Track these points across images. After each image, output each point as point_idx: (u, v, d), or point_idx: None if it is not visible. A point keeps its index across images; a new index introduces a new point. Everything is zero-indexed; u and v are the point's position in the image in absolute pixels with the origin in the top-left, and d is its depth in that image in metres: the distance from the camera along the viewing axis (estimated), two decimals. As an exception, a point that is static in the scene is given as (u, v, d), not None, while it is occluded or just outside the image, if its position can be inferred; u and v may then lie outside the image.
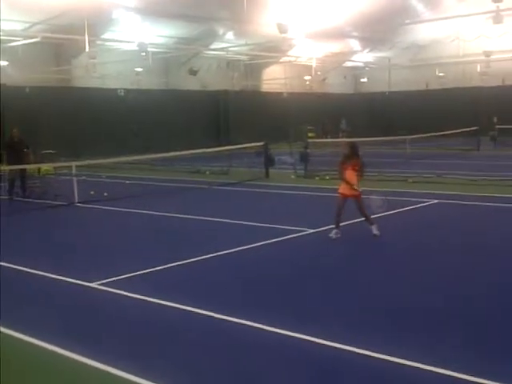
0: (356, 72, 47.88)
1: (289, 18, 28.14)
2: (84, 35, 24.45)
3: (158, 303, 6.69)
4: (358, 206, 9.95)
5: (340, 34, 37.10)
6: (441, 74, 40.78)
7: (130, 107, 30.85)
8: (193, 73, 33.28)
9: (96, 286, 7.38)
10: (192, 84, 34.62)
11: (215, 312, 6.25)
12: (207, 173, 20.69)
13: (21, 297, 7.27)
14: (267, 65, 40.94)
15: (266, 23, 30.03)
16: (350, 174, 9.92)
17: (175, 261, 8.50)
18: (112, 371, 4.95)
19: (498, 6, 25.41)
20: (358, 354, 5.16)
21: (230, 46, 35.29)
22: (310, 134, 31.38)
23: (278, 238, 9.94)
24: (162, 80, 35.51)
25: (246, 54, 38.02)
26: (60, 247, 10.00)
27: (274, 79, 41.39)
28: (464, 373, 4.71)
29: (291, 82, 41.66)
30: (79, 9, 24.20)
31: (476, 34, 36.32)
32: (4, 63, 27.59)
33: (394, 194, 14.65)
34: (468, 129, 28.77)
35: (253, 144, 20.54)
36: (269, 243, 9.64)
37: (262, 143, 19.74)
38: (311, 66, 38.80)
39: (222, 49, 35.14)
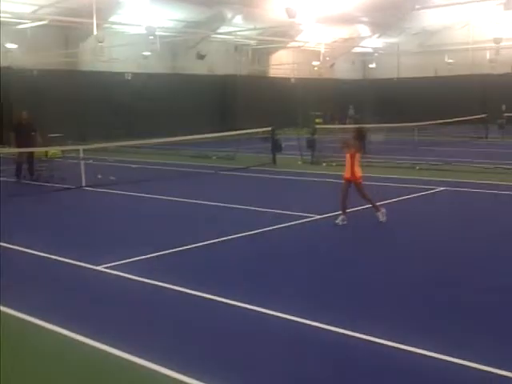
0: (365, 58, 47.55)
1: (298, 3, 27.89)
2: (92, 18, 24.35)
3: (161, 286, 6.74)
4: (357, 190, 9.95)
5: (349, 20, 36.80)
6: (450, 61, 40.43)
7: (137, 91, 30.84)
8: (200, 57, 33.15)
9: (102, 269, 7.42)
10: (199, 68, 34.51)
11: (223, 297, 6.29)
12: (214, 158, 20.68)
13: (24, 278, 7.32)
14: (275, 50, 40.71)
15: (274, 8, 29.80)
16: (347, 158, 9.97)
17: (181, 245, 8.53)
18: (112, 351, 5.00)
19: (509, -8, 25.08)
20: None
21: (238, 31, 35.08)
22: (317, 120, 31.31)
23: (285, 223, 9.95)
24: (169, 64, 35.38)
25: (254, 39, 37.80)
26: (67, 230, 10.06)
27: (281, 64, 41.17)
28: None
29: (299, 67, 41.44)
30: (87, -9, 24.09)
31: (486, 21, 35.94)
32: (12, 46, 27.56)
33: (401, 180, 14.63)
34: (476, 116, 28.59)
35: (260, 129, 20.49)
36: (276, 228, 9.66)
37: (269, 129, 19.69)
38: (319, 51, 38.55)
39: (229, 33, 34.93)
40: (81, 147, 16.21)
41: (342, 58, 43.93)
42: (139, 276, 7.10)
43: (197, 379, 4.51)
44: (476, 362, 4.66)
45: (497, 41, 36.04)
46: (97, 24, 24.89)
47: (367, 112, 38.47)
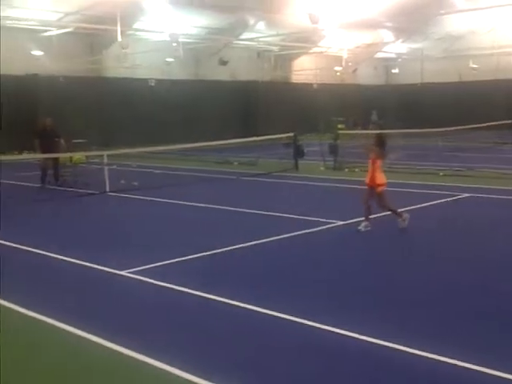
0: (387, 63, 47.28)
1: (320, 9, 27.88)
2: (116, 25, 24.62)
3: (183, 291, 6.76)
4: (377, 197, 9.84)
5: (372, 25, 36.65)
6: (474, 66, 40.00)
7: (160, 97, 31.07)
8: (223, 63, 33.28)
9: (125, 274, 7.46)
10: (222, 74, 34.65)
11: (245, 302, 6.29)
12: (235, 163, 20.71)
13: (47, 282, 7.40)
14: (298, 55, 40.69)
15: (297, 13, 29.83)
16: (369, 164, 9.92)
17: (205, 250, 8.55)
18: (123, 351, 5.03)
19: (535, -3, 24.79)
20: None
21: (261, 37, 35.15)
22: (339, 126, 31.17)
23: (307, 229, 9.92)
24: (192, 70, 35.58)
25: (277, 45, 37.84)
26: (91, 235, 10.15)
27: (304, 70, 41.13)
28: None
29: (321, 72, 41.36)
30: (112, -1, 24.38)
31: (511, 25, 35.52)
32: (39, 53, 27.98)
33: (424, 186, 14.49)
34: (502, 122, 28.21)
35: (282, 135, 20.48)
36: (299, 234, 9.63)
37: (291, 134, 19.67)
38: (342, 56, 38.44)
39: (252, 39, 35.02)
40: (105, 153, 16.36)
41: (364, 64, 43.75)
42: (162, 281, 7.12)
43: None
44: None
45: (522, 45, 35.60)
46: (121, 31, 25.16)
47: (390, 117, 38.23)
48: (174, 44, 29.10)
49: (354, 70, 41.81)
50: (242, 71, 36.45)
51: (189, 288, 6.83)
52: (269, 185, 16.22)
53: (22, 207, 13.11)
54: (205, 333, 5.64)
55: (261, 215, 11.50)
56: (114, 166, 18.14)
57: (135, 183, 15.66)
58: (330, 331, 5.50)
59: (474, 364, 4.71)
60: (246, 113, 36.10)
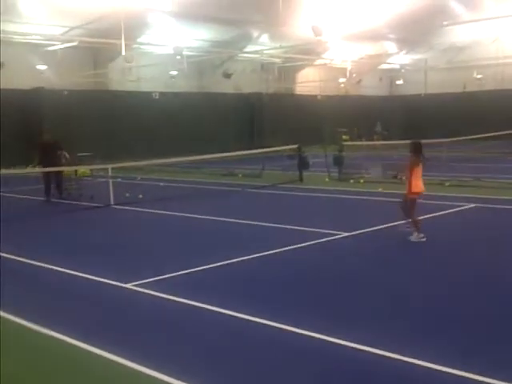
0: (392, 74, 47.32)
1: (324, 21, 27.94)
2: (120, 39, 24.73)
3: (188, 303, 6.70)
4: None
5: (376, 36, 36.73)
6: (479, 76, 39.98)
7: (164, 110, 31.14)
8: (227, 76, 33.35)
9: (130, 287, 7.41)
10: (226, 87, 34.72)
11: (254, 315, 6.22)
12: (240, 175, 20.68)
13: (51, 295, 7.36)
14: (301, 67, 40.78)
15: (300, 26, 29.90)
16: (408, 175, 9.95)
17: (210, 263, 8.50)
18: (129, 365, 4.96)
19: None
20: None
21: (265, 49, 35.26)
22: (344, 137, 31.15)
23: (313, 240, 9.85)
24: (196, 83, 35.69)
25: (281, 57, 37.94)
26: (96, 249, 10.10)
27: (308, 82, 41.20)
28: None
29: (326, 84, 41.42)
30: (116, 13, 24.47)
31: (516, 36, 35.54)
32: (43, 67, 28.13)
33: (430, 197, 14.38)
34: (507, 132, 28.11)
35: (286, 147, 20.45)
36: (304, 246, 9.57)
37: (295, 146, 19.64)
38: (346, 68, 38.51)
39: (256, 52, 35.13)
40: (109, 166, 16.35)
41: (368, 75, 43.80)
42: (166, 294, 7.08)
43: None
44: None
45: (526, 55, 35.59)
46: (125, 45, 25.27)
47: (395, 128, 38.20)
48: (178, 57, 29.23)
49: (359, 82, 41.85)
50: (246, 83, 36.52)
51: (193, 300, 6.77)
52: (274, 196, 16.17)
53: (25, 220, 13.09)
54: (207, 346, 5.57)
55: (266, 227, 11.43)
56: (119, 179, 18.13)
57: (140, 196, 15.63)
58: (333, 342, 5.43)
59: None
60: (251, 125, 36.13)
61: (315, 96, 40.43)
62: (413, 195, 9.77)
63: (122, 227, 12.46)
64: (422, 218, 11.34)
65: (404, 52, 42.36)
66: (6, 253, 9.43)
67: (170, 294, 7.05)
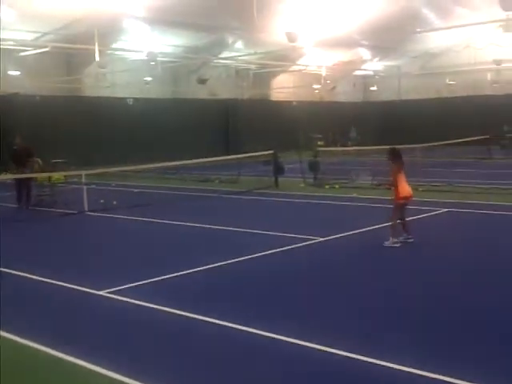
0: (365, 80, 47.83)
1: (298, 27, 28.14)
2: (94, 45, 24.58)
3: (161, 309, 6.66)
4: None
5: (350, 43, 37.09)
6: (451, 83, 40.61)
7: (139, 116, 30.96)
8: (202, 82, 33.35)
9: (104, 294, 7.33)
10: (201, 93, 34.70)
11: (224, 320, 6.20)
12: (216, 181, 20.65)
13: (24, 303, 7.23)
14: (276, 73, 40.97)
15: (275, 32, 30.06)
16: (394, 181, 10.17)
17: (184, 269, 8.45)
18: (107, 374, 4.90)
19: (508, 15, 25.32)
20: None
21: (239, 55, 35.37)
22: (319, 143, 31.35)
23: (289, 246, 9.87)
24: (170, 89, 35.61)
25: (256, 63, 38.08)
26: (69, 255, 9.98)
27: (283, 88, 41.41)
28: None
29: (300, 90, 41.67)
30: (89, 19, 24.34)
31: (487, 43, 36.19)
32: (16, 73, 27.79)
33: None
34: (479, 137, 28.56)
35: (262, 152, 20.49)
36: (280, 251, 9.57)
37: (271, 152, 19.69)
38: (321, 74, 38.80)
39: (231, 58, 35.21)
40: (83, 172, 16.18)
41: (343, 81, 44.18)
42: (140, 300, 7.02)
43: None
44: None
45: (498, 62, 36.25)
46: (99, 50, 25.12)
47: (369, 134, 38.53)
48: (153, 63, 29.16)
49: (333, 88, 42.21)
50: (221, 89, 36.56)
51: (167, 307, 6.72)
52: (249, 202, 16.17)
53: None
54: (181, 352, 5.54)
55: (241, 232, 11.42)
56: (93, 186, 17.95)
57: (114, 202, 15.49)
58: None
59: None
60: (226, 131, 36.12)
61: (290, 102, 40.64)
62: (400, 200, 9.87)
63: (96, 234, 12.33)
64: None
65: (377, 59, 42.84)
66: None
67: (144, 301, 6.99)
